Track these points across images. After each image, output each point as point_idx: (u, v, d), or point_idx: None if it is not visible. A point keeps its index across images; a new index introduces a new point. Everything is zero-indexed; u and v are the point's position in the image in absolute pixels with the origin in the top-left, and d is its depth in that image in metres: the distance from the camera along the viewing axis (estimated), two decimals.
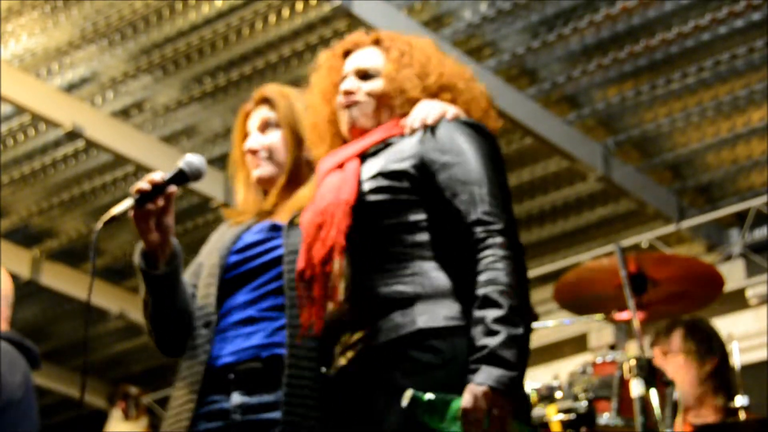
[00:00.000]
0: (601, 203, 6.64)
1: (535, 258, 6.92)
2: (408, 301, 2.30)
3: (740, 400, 3.87)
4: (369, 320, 2.34)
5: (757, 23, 5.31)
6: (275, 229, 2.67)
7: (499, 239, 2.26)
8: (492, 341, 2.16)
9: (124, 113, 6.17)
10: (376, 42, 2.62)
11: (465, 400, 2.14)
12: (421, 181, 2.37)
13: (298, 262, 2.42)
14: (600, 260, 4.32)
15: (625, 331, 6.77)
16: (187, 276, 2.72)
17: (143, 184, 2.53)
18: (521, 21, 5.43)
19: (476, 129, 2.43)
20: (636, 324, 3.82)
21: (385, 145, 2.46)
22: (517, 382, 2.18)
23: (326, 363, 2.47)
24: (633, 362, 3.60)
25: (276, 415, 2.48)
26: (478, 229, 2.28)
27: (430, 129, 2.41)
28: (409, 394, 2.15)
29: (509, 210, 2.35)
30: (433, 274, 2.32)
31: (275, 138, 2.78)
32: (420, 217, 2.36)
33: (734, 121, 5.97)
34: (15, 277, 7.02)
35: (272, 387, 2.50)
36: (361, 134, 2.54)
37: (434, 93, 2.50)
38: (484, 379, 2.14)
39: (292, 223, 2.64)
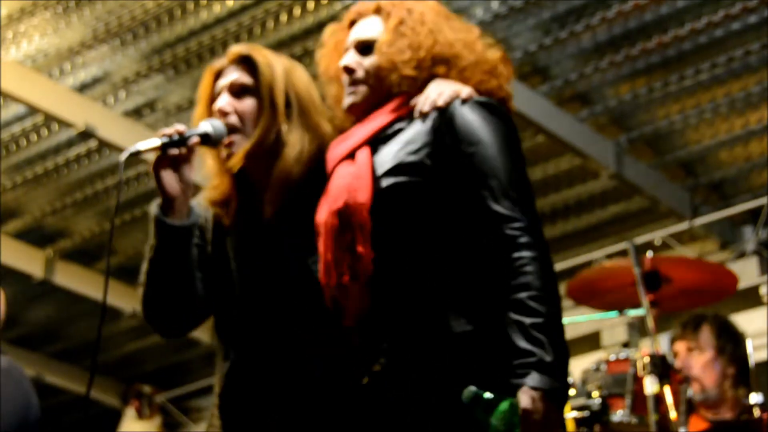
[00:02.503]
0: (614, 201, 6.62)
1: None
2: (437, 310, 2.22)
3: (755, 398, 3.86)
4: (397, 326, 2.25)
5: None
6: (271, 231, 2.52)
7: (525, 238, 2.18)
8: (538, 349, 2.13)
9: (136, 113, 6.18)
10: (378, 10, 2.49)
11: (524, 401, 2.11)
12: (438, 172, 2.26)
13: (321, 273, 2.30)
14: (614, 258, 4.32)
15: (638, 328, 6.75)
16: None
17: (169, 129, 2.46)
18: (533, 18, 5.42)
19: (490, 109, 2.31)
20: (650, 321, 3.82)
21: (394, 130, 2.34)
22: (564, 393, 2.17)
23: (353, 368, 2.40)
24: (646, 359, 3.60)
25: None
26: (503, 227, 2.19)
27: (442, 113, 2.29)
28: (470, 391, 2.11)
29: (531, 201, 2.27)
30: (457, 273, 2.23)
31: (250, 105, 2.55)
32: (440, 210, 2.26)
33: (747, 117, 5.94)
34: (28, 277, 7.14)
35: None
36: (362, 112, 2.41)
37: (428, 66, 2.36)
38: (537, 383, 2.12)
39: (284, 221, 2.50)
